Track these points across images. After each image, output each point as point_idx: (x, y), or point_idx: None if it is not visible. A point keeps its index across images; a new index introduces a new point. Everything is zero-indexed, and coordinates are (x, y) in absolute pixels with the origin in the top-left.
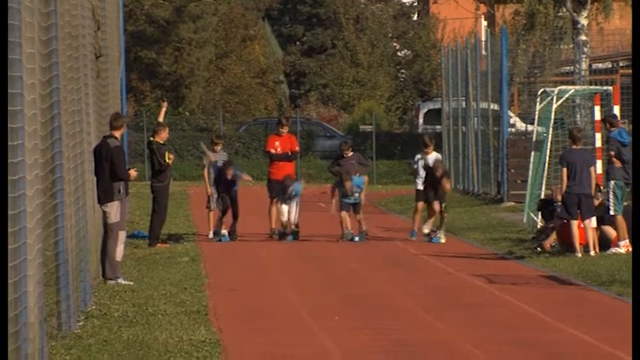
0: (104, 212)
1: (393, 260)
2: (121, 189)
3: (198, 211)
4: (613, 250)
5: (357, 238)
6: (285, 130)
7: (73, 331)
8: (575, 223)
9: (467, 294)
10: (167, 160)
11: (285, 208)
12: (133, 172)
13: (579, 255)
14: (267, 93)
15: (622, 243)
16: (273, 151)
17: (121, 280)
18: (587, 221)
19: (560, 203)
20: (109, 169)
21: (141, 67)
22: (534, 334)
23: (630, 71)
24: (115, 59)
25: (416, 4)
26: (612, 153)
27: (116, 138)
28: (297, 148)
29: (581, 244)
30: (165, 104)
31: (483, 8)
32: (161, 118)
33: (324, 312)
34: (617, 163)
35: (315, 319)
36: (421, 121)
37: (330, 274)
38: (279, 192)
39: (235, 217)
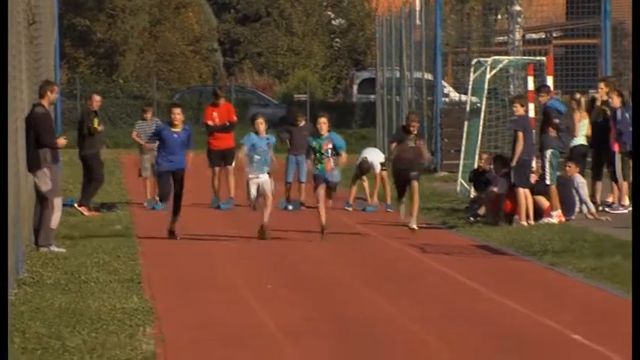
0: (34, 180)
1: (327, 230)
2: (47, 157)
3: (132, 179)
4: (546, 220)
5: (290, 207)
6: (221, 101)
7: None
8: (527, 192)
9: (401, 264)
10: (95, 126)
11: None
12: (61, 140)
13: (524, 223)
14: (201, 61)
15: (554, 213)
16: (211, 122)
17: (53, 248)
18: (524, 190)
19: (490, 170)
20: (34, 137)
21: (74, 35)
22: (469, 306)
23: (563, 41)
24: (49, 26)
25: None
26: (557, 121)
27: (43, 106)
28: (235, 118)
29: (511, 213)
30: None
31: None
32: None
33: (259, 283)
34: (553, 133)
35: (250, 290)
36: (355, 90)
37: (265, 243)
38: (220, 162)
39: (176, 210)
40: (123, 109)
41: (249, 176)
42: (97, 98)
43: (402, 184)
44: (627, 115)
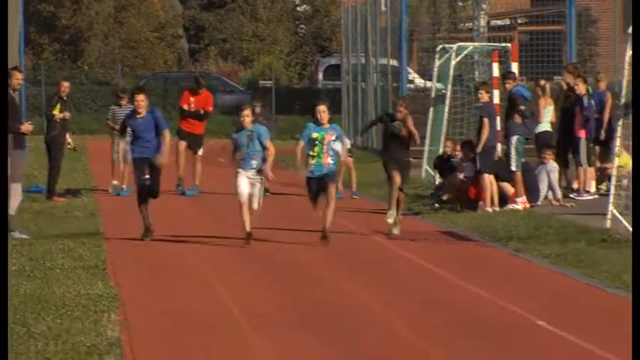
0: None
1: (295, 216)
2: (9, 142)
3: (97, 165)
4: (510, 206)
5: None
6: (202, 89)
7: None
8: (492, 178)
9: (368, 251)
10: (54, 113)
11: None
12: (26, 126)
13: (489, 210)
14: (166, 47)
15: (519, 199)
16: (186, 107)
17: (16, 234)
18: (489, 176)
19: (455, 157)
20: None
21: (39, 21)
22: (435, 292)
23: (528, 28)
24: (13, 12)
25: None
26: (522, 108)
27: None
28: (211, 109)
29: (475, 199)
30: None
31: None
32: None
33: (227, 271)
34: (518, 119)
35: (217, 277)
36: (321, 76)
37: (233, 230)
38: (188, 140)
39: (153, 197)
40: (88, 95)
41: (240, 171)
42: (65, 84)
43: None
44: (592, 102)
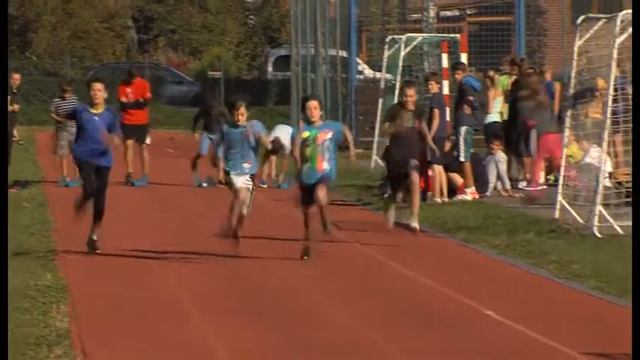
0: None
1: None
2: None
3: (46, 157)
4: (459, 197)
5: (204, 184)
6: (135, 79)
7: None
8: (441, 169)
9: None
10: None
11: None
12: None
13: (438, 200)
14: (114, 38)
15: (468, 190)
16: (124, 99)
17: None
18: (438, 167)
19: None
20: None
21: None
22: (383, 281)
23: (477, 19)
24: None
25: None
26: (471, 98)
27: None
28: (149, 95)
29: (424, 190)
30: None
31: None
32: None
33: (175, 260)
34: (467, 110)
35: (165, 266)
36: (270, 68)
37: (181, 219)
38: (133, 135)
39: (99, 214)
40: (36, 86)
41: (231, 174)
42: (15, 76)
43: (397, 178)
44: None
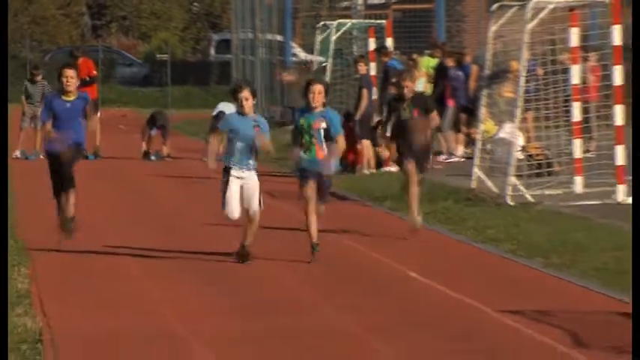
0: None
1: (190, 179)
2: None
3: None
4: (386, 169)
5: (153, 157)
6: (78, 60)
7: None
8: (369, 143)
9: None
10: None
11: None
12: None
13: (367, 172)
14: (71, 24)
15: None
16: None
17: None
18: (367, 141)
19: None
20: None
21: None
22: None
23: (401, 6)
24: None
25: None
26: (395, 80)
27: None
28: (95, 72)
29: (353, 163)
30: None
31: None
32: None
33: (123, 223)
34: (393, 89)
35: (120, 230)
36: (213, 51)
37: (128, 188)
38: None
39: (69, 183)
40: None
41: (231, 172)
42: None
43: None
44: (460, 72)
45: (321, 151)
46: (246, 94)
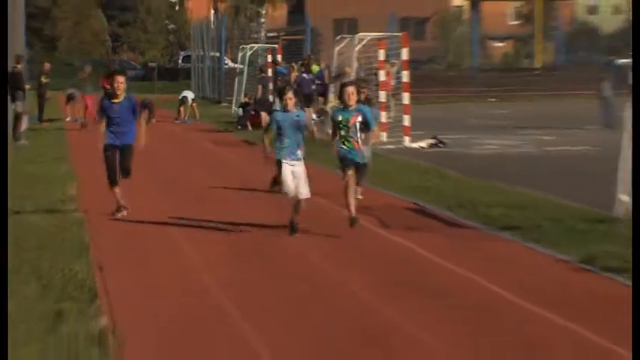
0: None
1: (168, 135)
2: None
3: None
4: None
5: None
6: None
7: None
8: (266, 114)
9: (205, 154)
10: None
11: None
12: None
13: None
14: (100, 45)
15: None
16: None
17: (22, 142)
18: (264, 113)
19: (250, 103)
20: None
21: None
22: (246, 177)
23: (287, 37)
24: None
25: None
26: (279, 80)
27: None
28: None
29: (259, 124)
30: None
31: None
32: None
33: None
34: (280, 83)
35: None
36: (180, 62)
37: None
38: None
39: (126, 173)
40: None
41: (283, 162)
42: None
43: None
44: (311, 77)
45: (357, 142)
46: (289, 95)
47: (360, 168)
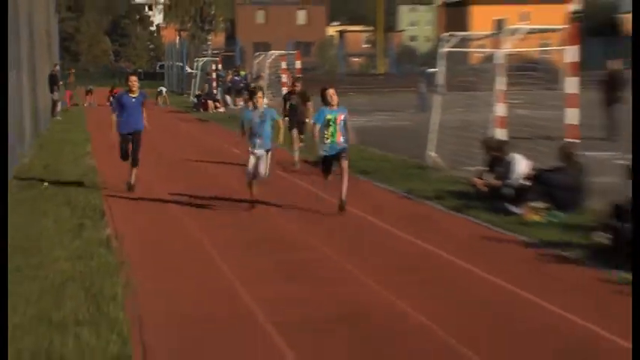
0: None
1: (149, 115)
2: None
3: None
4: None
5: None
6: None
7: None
8: (228, 97)
9: (173, 127)
10: None
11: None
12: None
13: (221, 110)
14: (104, 56)
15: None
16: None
17: (57, 117)
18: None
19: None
20: None
21: None
22: (208, 145)
23: (225, 53)
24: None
25: None
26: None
27: None
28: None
29: (215, 108)
30: None
31: None
32: None
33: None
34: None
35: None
36: (158, 69)
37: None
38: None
39: (135, 162)
40: None
41: (251, 153)
42: None
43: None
44: (236, 78)
45: (340, 137)
46: (259, 94)
47: (341, 152)
